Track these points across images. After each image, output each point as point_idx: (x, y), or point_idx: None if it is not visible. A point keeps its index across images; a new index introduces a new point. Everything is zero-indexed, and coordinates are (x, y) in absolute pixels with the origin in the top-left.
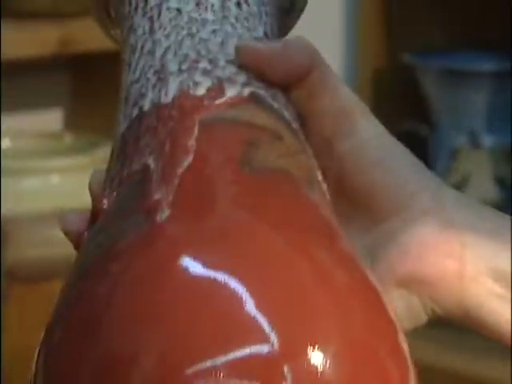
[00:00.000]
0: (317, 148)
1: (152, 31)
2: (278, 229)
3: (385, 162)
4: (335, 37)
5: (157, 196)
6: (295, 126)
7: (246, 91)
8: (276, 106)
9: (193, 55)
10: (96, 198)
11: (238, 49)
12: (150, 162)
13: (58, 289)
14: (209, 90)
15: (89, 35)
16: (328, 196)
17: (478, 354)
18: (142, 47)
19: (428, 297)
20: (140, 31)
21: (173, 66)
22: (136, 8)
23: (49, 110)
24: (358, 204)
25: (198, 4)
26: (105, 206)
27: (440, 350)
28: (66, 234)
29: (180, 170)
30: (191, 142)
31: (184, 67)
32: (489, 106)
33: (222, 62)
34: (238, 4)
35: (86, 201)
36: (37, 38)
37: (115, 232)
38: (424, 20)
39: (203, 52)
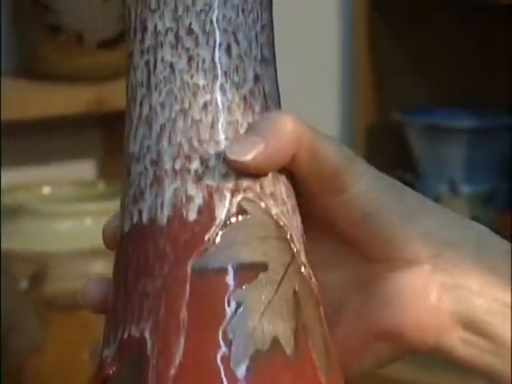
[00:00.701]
0: (304, 199)
1: (149, 88)
2: None
3: (372, 217)
4: (332, 97)
5: None
6: (283, 217)
7: (234, 204)
8: (262, 205)
9: (186, 147)
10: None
11: (224, 157)
12: (147, 334)
13: (90, 316)
14: (200, 211)
15: (119, 96)
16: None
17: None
18: (141, 106)
19: (401, 346)
20: (139, 75)
21: (168, 161)
22: (134, 37)
23: (84, 161)
24: (347, 246)
25: (189, 60)
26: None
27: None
28: (86, 305)
29: (172, 372)
30: (183, 315)
31: (177, 167)
32: (467, 158)
33: (212, 160)
34: (228, 48)
35: None
36: (74, 97)
37: None
38: (410, 82)
39: (195, 143)
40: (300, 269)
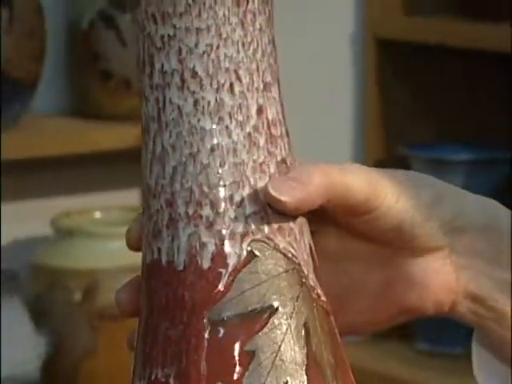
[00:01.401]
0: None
1: (160, 125)
2: None
3: (398, 225)
4: (346, 135)
5: None
6: (291, 248)
7: (245, 249)
8: (271, 243)
9: (197, 192)
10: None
11: (263, 192)
12: (171, 380)
13: (135, 324)
14: (213, 258)
15: None
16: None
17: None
18: (154, 143)
19: (418, 316)
20: (150, 109)
21: (181, 205)
22: (144, 71)
23: (129, 190)
24: (370, 243)
25: (195, 103)
26: None
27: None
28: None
29: None
30: (203, 366)
31: (190, 212)
32: (465, 188)
33: (222, 205)
34: (231, 87)
35: None
36: (122, 134)
37: None
38: (415, 122)
39: (205, 188)
40: (309, 294)
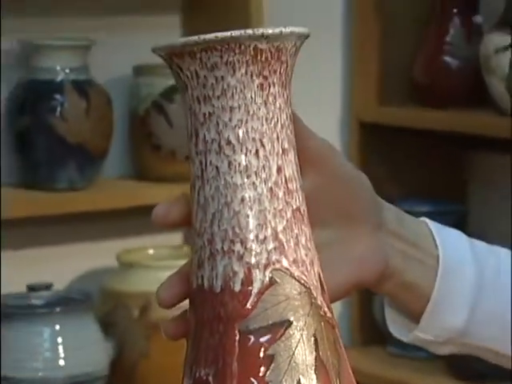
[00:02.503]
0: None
1: (203, 181)
2: None
3: (354, 192)
4: None
5: None
6: (303, 276)
7: (267, 276)
8: (287, 272)
9: (230, 233)
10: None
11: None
12: (210, 378)
13: None
14: (242, 283)
15: None
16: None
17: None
18: (199, 195)
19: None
20: (196, 169)
21: (218, 243)
22: (191, 140)
23: (174, 233)
24: (339, 217)
25: (229, 164)
26: None
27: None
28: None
29: None
30: (234, 367)
31: (225, 248)
32: None
33: (249, 243)
34: (256, 152)
35: None
36: (170, 192)
37: None
38: (390, 184)
39: (237, 230)
40: (317, 311)
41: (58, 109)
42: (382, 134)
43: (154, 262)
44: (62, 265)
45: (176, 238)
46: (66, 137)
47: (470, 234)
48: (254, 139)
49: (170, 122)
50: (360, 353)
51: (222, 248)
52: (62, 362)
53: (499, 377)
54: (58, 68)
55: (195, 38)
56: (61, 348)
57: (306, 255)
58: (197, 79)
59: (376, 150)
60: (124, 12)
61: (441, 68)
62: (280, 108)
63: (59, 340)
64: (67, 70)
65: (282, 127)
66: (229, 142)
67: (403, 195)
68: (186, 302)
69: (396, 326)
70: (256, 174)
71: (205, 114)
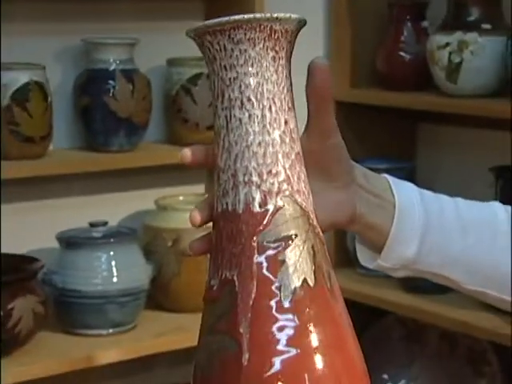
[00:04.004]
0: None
1: (227, 131)
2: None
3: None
4: None
5: (242, 330)
6: (304, 202)
7: (278, 201)
8: (293, 198)
9: (250, 168)
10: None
11: None
12: (235, 278)
13: (203, 259)
14: (260, 206)
15: None
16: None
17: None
18: (223, 141)
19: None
20: (221, 122)
21: (240, 176)
22: (217, 100)
23: (199, 184)
24: (323, 173)
25: (249, 116)
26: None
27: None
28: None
29: (250, 300)
30: (254, 268)
31: (246, 179)
32: None
33: (265, 176)
34: (270, 108)
35: None
36: None
37: (214, 347)
38: (354, 145)
39: (255, 166)
40: (314, 229)
41: (111, 91)
42: (352, 111)
43: (183, 206)
44: (115, 207)
45: (200, 188)
46: (117, 112)
47: (418, 186)
48: (268, 98)
49: (194, 101)
50: (335, 273)
51: (244, 180)
52: (115, 279)
53: (442, 290)
54: (111, 60)
55: (226, 18)
56: (114, 269)
57: (305, 187)
58: (225, 51)
59: (348, 122)
60: (160, 18)
61: (397, 60)
62: (286, 76)
63: (113, 263)
64: (118, 62)
65: (287, 91)
66: (249, 100)
67: (367, 156)
68: (209, 226)
69: (363, 257)
70: (270, 124)
71: (230, 79)
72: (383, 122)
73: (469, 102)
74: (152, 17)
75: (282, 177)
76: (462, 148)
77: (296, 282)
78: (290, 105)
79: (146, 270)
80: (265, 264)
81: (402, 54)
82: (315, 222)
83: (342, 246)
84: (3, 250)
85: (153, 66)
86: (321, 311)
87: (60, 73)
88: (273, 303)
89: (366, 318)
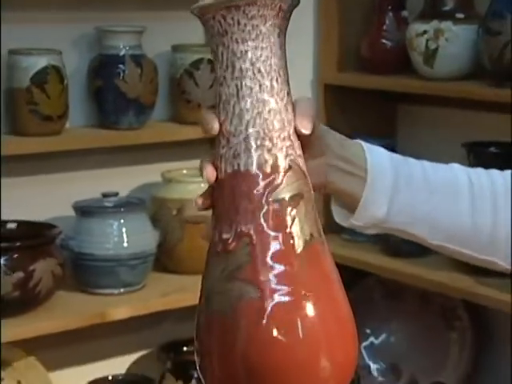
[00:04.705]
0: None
1: (238, 99)
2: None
3: (329, 144)
4: None
5: (262, 278)
6: (304, 167)
7: (287, 163)
8: (296, 162)
9: (261, 133)
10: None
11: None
12: (252, 231)
13: (204, 226)
14: (271, 167)
15: None
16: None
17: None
18: (234, 108)
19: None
20: (231, 91)
21: (252, 140)
22: (226, 70)
23: (199, 158)
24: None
25: (260, 86)
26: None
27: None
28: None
29: (269, 255)
30: (267, 223)
31: (258, 143)
32: None
33: (274, 140)
34: (277, 79)
35: None
36: (196, 130)
37: (233, 293)
38: (341, 123)
39: (266, 131)
40: (311, 191)
41: (121, 74)
42: (340, 93)
43: (186, 178)
44: (125, 180)
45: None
46: (127, 93)
47: None
48: (275, 70)
49: (196, 83)
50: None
51: (256, 143)
52: (125, 244)
53: (419, 254)
54: (121, 46)
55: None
56: (124, 235)
57: (302, 154)
58: (238, 25)
59: (335, 103)
60: (165, 8)
61: (380, 47)
62: (285, 52)
63: (123, 229)
64: (127, 48)
65: (286, 64)
66: (259, 71)
67: (353, 134)
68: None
69: (339, 216)
70: (277, 94)
71: (242, 51)
72: (367, 103)
73: (444, 85)
74: (158, 7)
75: (288, 142)
76: (438, 126)
77: (306, 235)
78: (287, 78)
79: (153, 236)
80: (278, 219)
81: (384, 41)
82: (311, 185)
83: (328, 213)
84: (25, 218)
85: (159, 52)
86: (322, 261)
87: (75, 58)
88: (287, 254)
89: (350, 280)
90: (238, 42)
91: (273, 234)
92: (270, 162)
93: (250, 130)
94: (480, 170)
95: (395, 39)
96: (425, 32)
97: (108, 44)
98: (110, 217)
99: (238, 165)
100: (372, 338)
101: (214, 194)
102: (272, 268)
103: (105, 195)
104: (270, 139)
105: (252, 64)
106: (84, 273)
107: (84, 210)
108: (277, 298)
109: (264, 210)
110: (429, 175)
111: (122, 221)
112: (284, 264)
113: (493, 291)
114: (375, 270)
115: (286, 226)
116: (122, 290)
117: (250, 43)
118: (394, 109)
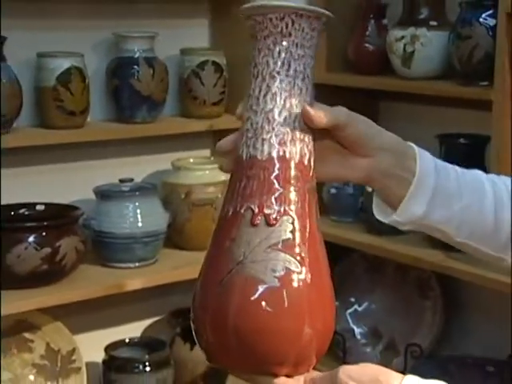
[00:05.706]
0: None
1: (291, 95)
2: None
3: (366, 137)
4: None
5: (303, 254)
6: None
7: (312, 160)
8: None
9: (275, 124)
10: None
11: (303, 114)
12: (292, 214)
13: (210, 209)
14: (308, 160)
15: (225, 124)
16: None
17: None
18: (285, 101)
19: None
20: (284, 85)
21: (266, 132)
22: (282, 66)
23: (204, 149)
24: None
25: (307, 88)
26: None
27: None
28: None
29: (306, 234)
30: (306, 207)
31: (270, 135)
32: None
33: (285, 127)
34: (312, 82)
35: None
36: (201, 123)
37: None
38: None
39: (280, 122)
40: (312, 179)
41: (136, 74)
42: (327, 91)
43: (193, 166)
44: (139, 167)
45: (206, 152)
46: (141, 91)
47: None
48: (313, 74)
49: (202, 82)
50: None
51: (269, 135)
52: (140, 224)
53: (397, 232)
54: (136, 49)
55: (313, 7)
56: (139, 216)
57: (310, 140)
58: (302, 32)
59: (324, 101)
60: (175, 16)
61: (363, 50)
62: (313, 50)
63: (138, 211)
64: (141, 51)
65: (311, 69)
66: (308, 76)
67: None
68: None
69: (378, 212)
70: (311, 94)
71: (299, 55)
72: (352, 101)
73: (420, 84)
74: (169, 15)
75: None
76: (415, 120)
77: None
78: (312, 80)
79: (164, 216)
80: (311, 204)
81: (367, 45)
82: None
83: (318, 196)
84: (52, 201)
85: (169, 55)
86: (315, 241)
87: (95, 60)
88: (317, 234)
89: (337, 255)
90: (297, 46)
91: (309, 217)
92: (307, 155)
93: (296, 124)
94: (493, 175)
95: (377, 43)
96: (403, 37)
97: (124, 48)
98: (126, 200)
99: (255, 149)
100: (356, 306)
101: (247, 172)
102: (309, 247)
103: (122, 181)
104: (283, 125)
105: (304, 68)
106: (103, 249)
107: (103, 194)
108: (316, 275)
109: (304, 197)
110: (459, 177)
111: (137, 203)
112: (302, 244)
113: (461, 264)
114: (359, 246)
115: (316, 211)
116: (137, 264)
117: (306, 50)
118: (376, 105)
